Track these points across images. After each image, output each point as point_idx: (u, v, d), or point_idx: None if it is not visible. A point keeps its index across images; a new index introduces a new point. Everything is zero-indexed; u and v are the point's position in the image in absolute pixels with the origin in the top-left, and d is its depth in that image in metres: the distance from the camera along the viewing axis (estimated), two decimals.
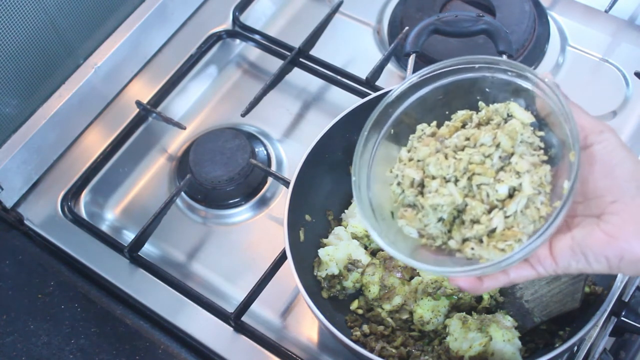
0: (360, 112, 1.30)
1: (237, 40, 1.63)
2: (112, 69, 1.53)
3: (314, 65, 1.53)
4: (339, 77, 1.51)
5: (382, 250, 1.28)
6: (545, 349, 1.15)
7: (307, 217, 1.29)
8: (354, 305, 1.26)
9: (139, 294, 1.32)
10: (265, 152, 1.47)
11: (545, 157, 0.87)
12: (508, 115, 0.89)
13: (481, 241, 0.86)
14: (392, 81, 1.52)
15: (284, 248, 1.18)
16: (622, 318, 1.21)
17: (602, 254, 0.81)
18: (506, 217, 0.84)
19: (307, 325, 1.29)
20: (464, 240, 0.87)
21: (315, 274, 1.25)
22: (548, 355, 1.06)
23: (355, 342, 1.15)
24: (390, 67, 1.53)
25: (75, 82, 1.48)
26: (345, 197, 1.35)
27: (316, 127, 1.36)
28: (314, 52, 1.55)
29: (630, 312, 1.21)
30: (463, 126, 0.92)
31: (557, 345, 1.10)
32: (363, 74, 1.48)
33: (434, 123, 0.94)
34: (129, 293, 1.32)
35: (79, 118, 1.51)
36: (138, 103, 1.52)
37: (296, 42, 1.54)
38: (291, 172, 1.29)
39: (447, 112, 0.94)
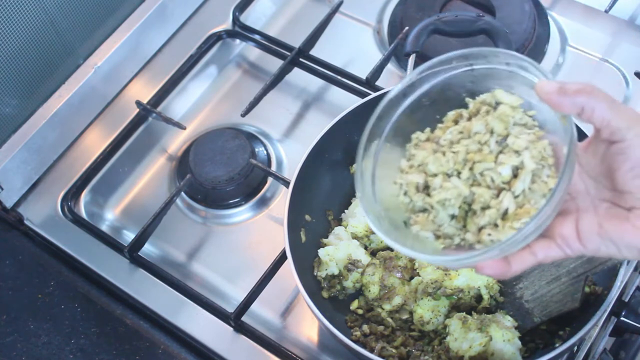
0: (360, 112, 1.30)
1: (237, 40, 1.63)
2: (112, 69, 1.53)
3: (314, 65, 1.53)
4: (339, 77, 1.51)
5: (383, 250, 1.28)
6: (545, 349, 1.15)
7: (307, 217, 1.29)
8: (354, 305, 1.26)
9: (139, 294, 1.32)
10: (265, 152, 1.47)
11: (541, 133, 0.87)
12: (497, 103, 0.89)
13: (496, 225, 0.85)
14: (392, 81, 1.52)
15: (284, 248, 1.18)
16: (622, 318, 1.21)
17: (634, 245, 0.81)
18: (515, 197, 0.84)
19: (307, 325, 1.29)
20: (480, 230, 0.87)
21: (315, 274, 1.25)
22: (548, 355, 1.06)
23: (355, 342, 1.15)
24: (390, 67, 1.53)
25: (75, 82, 1.48)
26: (345, 197, 1.35)
27: (316, 127, 1.36)
28: (314, 52, 1.55)
29: (630, 312, 1.21)
30: (455, 125, 0.92)
31: (557, 345, 1.10)
32: (363, 74, 1.48)
33: (427, 130, 0.94)
34: (128, 293, 1.32)
35: (79, 118, 1.51)
36: (138, 103, 1.52)
37: (296, 42, 1.54)
38: (291, 172, 1.29)
39: (438, 117, 0.94)
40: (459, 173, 0.88)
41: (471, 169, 0.87)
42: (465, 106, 0.92)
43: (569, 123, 0.81)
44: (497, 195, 0.85)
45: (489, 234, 0.85)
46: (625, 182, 0.82)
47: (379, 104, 0.95)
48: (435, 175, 0.89)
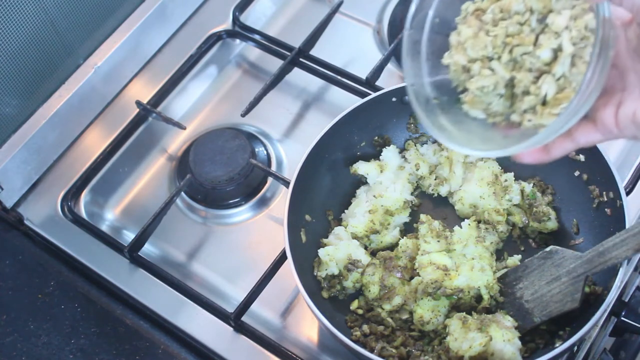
0: (360, 112, 1.31)
1: (237, 40, 1.63)
2: (112, 69, 1.53)
3: (314, 65, 1.53)
4: (339, 77, 1.51)
5: (383, 250, 1.28)
6: (545, 349, 1.15)
7: (307, 217, 1.29)
8: (354, 305, 1.26)
9: (139, 294, 1.32)
10: (265, 152, 1.47)
11: (586, 5, 0.83)
12: None
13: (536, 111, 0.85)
14: (392, 81, 1.52)
15: (284, 248, 1.18)
16: (622, 318, 1.21)
17: None
18: (557, 79, 0.82)
19: (307, 325, 1.29)
20: (524, 112, 0.86)
21: (315, 274, 1.25)
22: (548, 355, 1.06)
23: (355, 342, 1.15)
24: (390, 67, 1.53)
25: (75, 82, 1.48)
26: (345, 197, 1.35)
27: (316, 127, 1.36)
28: (314, 52, 1.55)
29: (630, 312, 1.21)
30: None
31: (557, 345, 1.10)
32: (363, 74, 1.48)
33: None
34: (128, 293, 1.32)
35: (79, 118, 1.51)
36: (138, 103, 1.52)
37: (296, 42, 1.54)
38: (291, 172, 1.29)
39: None
40: (499, 56, 0.86)
41: (511, 51, 0.85)
42: None
43: (598, 6, 0.78)
44: (538, 78, 0.83)
45: (529, 120, 0.84)
46: None
47: None
48: (474, 60, 0.88)
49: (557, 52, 0.83)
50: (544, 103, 0.84)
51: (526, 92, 0.85)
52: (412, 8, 0.93)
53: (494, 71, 0.86)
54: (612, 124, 0.83)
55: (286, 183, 1.37)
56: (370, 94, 1.33)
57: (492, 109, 0.89)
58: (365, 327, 1.22)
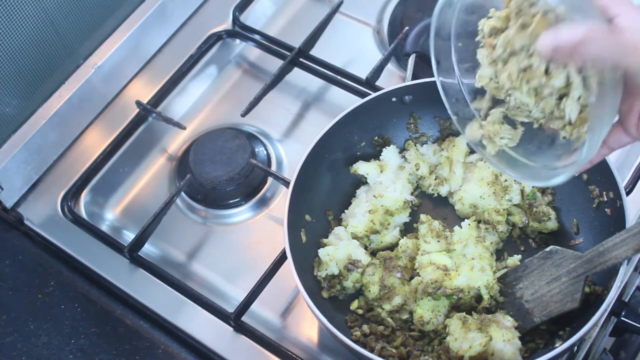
0: (360, 112, 1.31)
1: (237, 40, 1.63)
2: (112, 69, 1.53)
3: (314, 65, 1.53)
4: (339, 77, 1.51)
5: (383, 250, 1.28)
6: (545, 349, 1.15)
7: (307, 217, 1.29)
8: (354, 305, 1.26)
9: (139, 294, 1.32)
10: (265, 152, 1.47)
11: None
12: None
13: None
14: (392, 81, 1.52)
15: (284, 248, 1.18)
16: (622, 318, 1.21)
17: None
18: (577, 99, 0.87)
19: (307, 325, 1.29)
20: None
21: (315, 274, 1.25)
22: (548, 355, 1.06)
23: (355, 342, 1.15)
24: (390, 67, 1.53)
25: (75, 82, 1.48)
26: (345, 197, 1.35)
27: (316, 127, 1.36)
28: (314, 52, 1.55)
29: (630, 312, 1.21)
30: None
31: (557, 345, 1.10)
32: (363, 74, 1.48)
33: (492, 11, 0.93)
34: (128, 293, 1.32)
35: (79, 118, 1.51)
36: (138, 103, 1.52)
37: (296, 42, 1.54)
38: (291, 172, 1.29)
39: None
40: (519, 87, 0.91)
41: (528, 82, 0.90)
42: None
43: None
44: (561, 98, 0.88)
45: (564, 137, 0.90)
46: None
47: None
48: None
49: (568, 77, 0.87)
50: (571, 122, 0.89)
51: (552, 114, 0.90)
52: (432, 42, 0.99)
53: (517, 100, 0.92)
54: (635, 131, 0.86)
55: (286, 183, 1.37)
56: (370, 94, 1.33)
57: (534, 115, 0.94)
58: (365, 327, 1.22)
